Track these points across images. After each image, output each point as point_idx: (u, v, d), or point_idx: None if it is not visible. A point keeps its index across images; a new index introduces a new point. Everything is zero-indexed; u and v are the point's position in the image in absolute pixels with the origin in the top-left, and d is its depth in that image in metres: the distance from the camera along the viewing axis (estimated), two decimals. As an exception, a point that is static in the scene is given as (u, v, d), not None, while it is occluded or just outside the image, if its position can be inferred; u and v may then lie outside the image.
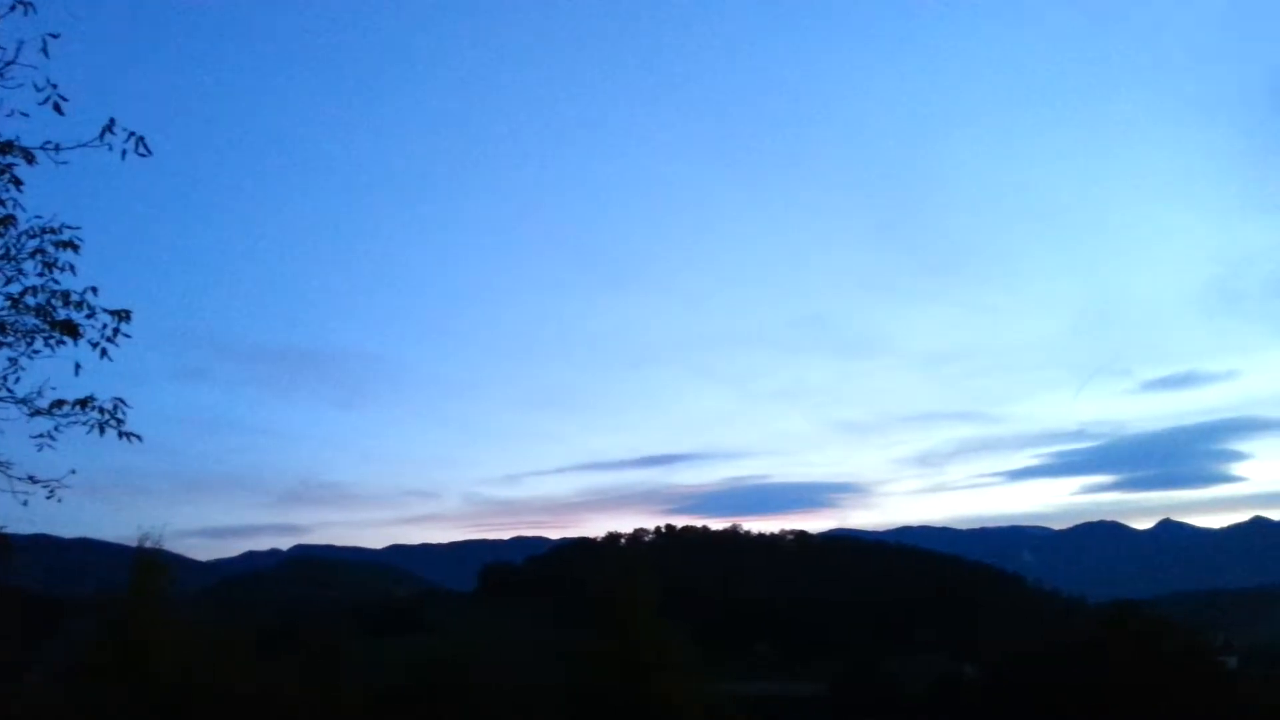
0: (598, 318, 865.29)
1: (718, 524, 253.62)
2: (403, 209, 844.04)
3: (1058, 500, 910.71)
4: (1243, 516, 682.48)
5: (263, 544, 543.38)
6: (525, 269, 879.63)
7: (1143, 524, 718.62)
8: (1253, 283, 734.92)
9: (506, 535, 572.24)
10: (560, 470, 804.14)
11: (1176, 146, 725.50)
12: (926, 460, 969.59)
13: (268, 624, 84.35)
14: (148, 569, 33.71)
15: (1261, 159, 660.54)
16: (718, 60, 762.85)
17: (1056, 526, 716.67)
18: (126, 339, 7.53)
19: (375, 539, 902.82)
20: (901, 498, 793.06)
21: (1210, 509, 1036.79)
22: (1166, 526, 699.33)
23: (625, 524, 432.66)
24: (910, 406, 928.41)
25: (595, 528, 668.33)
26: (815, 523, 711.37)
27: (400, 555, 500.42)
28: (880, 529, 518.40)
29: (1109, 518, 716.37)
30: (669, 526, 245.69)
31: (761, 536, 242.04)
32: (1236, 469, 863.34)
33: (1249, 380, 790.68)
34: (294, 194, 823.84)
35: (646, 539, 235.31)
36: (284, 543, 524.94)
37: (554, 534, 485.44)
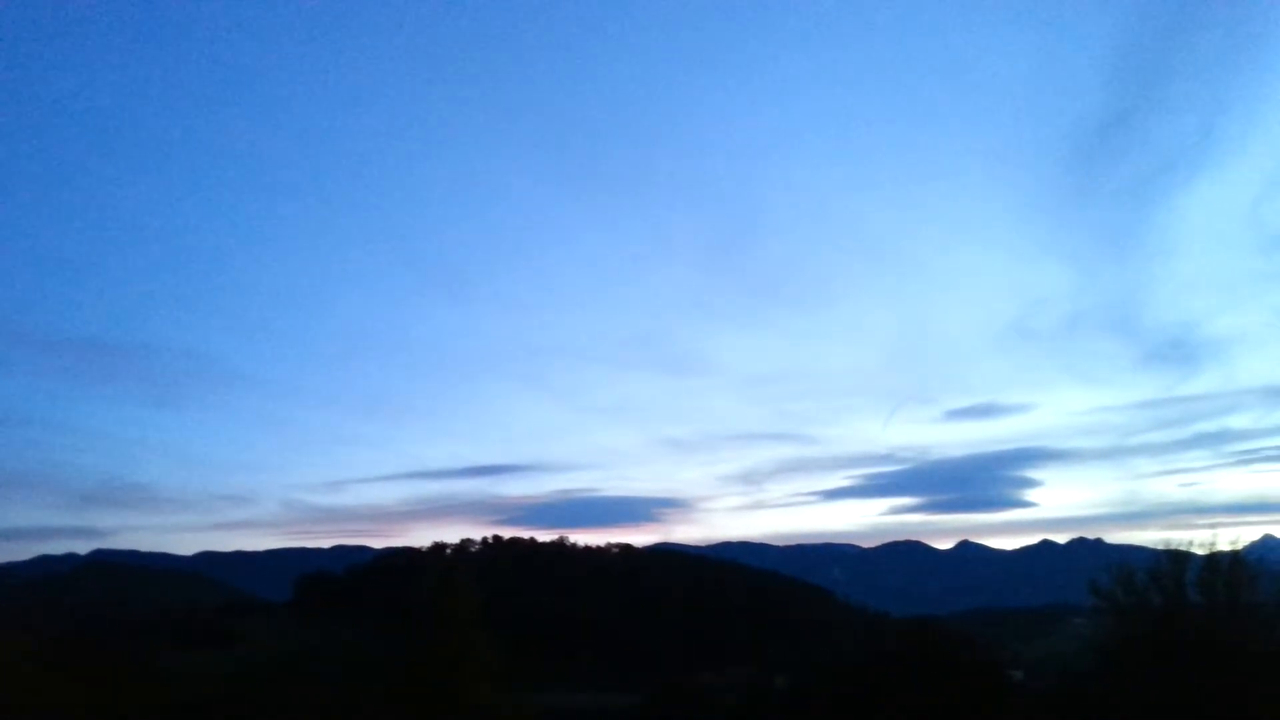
0: (428, 325, 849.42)
1: (545, 536, 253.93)
2: (230, 204, 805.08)
3: (867, 520, 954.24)
4: (1032, 539, 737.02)
5: (58, 548, 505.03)
6: (356, 272, 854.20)
7: (944, 544, 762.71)
8: (1047, 323, 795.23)
9: (327, 544, 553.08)
10: (385, 478, 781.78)
11: (984, 191, 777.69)
12: (747, 478, 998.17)
13: (59, 634, 79.15)
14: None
15: (1059, 208, 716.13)
16: (558, 74, 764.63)
17: (865, 545, 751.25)
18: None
19: (183, 545, 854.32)
20: (723, 514, 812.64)
21: (1004, 531, 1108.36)
22: (965, 547, 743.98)
23: (451, 534, 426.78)
24: (733, 426, 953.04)
25: (420, 537, 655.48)
26: (641, 536, 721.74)
27: (211, 563, 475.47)
28: (702, 544, 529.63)
29: (913, 537, 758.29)
30: (496, 537, 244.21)
31: (588, 549, 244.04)
32: (1028, 495, 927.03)
33: (1041, 413, 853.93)
34: (113, 181, 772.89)
35: (473, 549, 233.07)
36: (82, 547, 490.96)
37: (377, 543, 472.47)
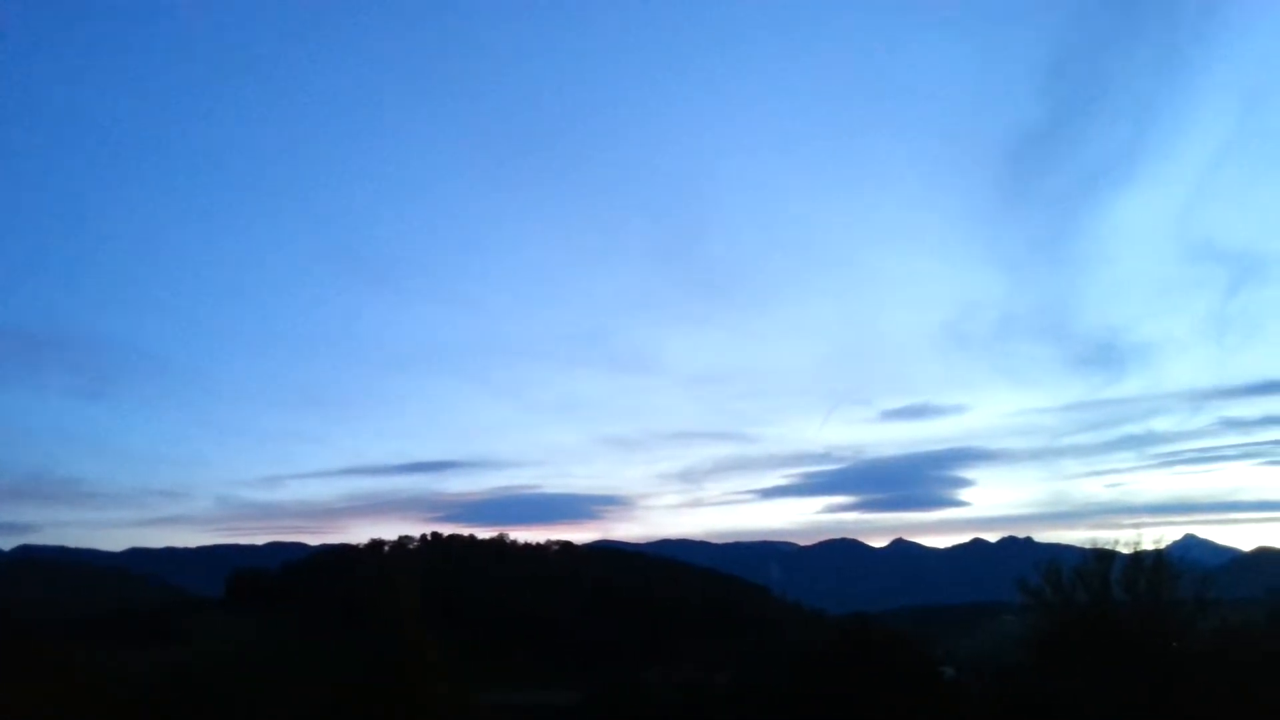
0: (369, 319, 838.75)
1: (485, 533, 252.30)
2: (165, 195, 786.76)
3: (804, 518, 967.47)
4: (964, 538, 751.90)
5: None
6: (296, 266, 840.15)
7: (878, 542, 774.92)
8: (980, 327, 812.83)
9: (261, 540, 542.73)
10: (323, 474, 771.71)
11: (923, 198, 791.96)
12: (687, 476, 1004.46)
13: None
14: None
15: (994, 215, 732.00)
16: (506, 67, 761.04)
17: (802, 543, 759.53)
18: None
19: (113, 541, 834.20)
20: (663, 511, 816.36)
21: (937, 530, 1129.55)
22: (899, 545, 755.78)
23: (390, 531, 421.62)
24: (675, 424, 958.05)
25: (358, 534, 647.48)
26: (581, 534, 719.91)
27: (142, 559, 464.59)
28: (642, 541, 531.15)
29: (849, 536, 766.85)
30: (435, 534, 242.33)
31: (528, 546, 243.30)
32: (961, 494, 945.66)
33: (974, 414, 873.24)
34: (44, 171, 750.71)
35: (411, 546, 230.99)
36: (7, 543, 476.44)
37: (314, 540, 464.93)
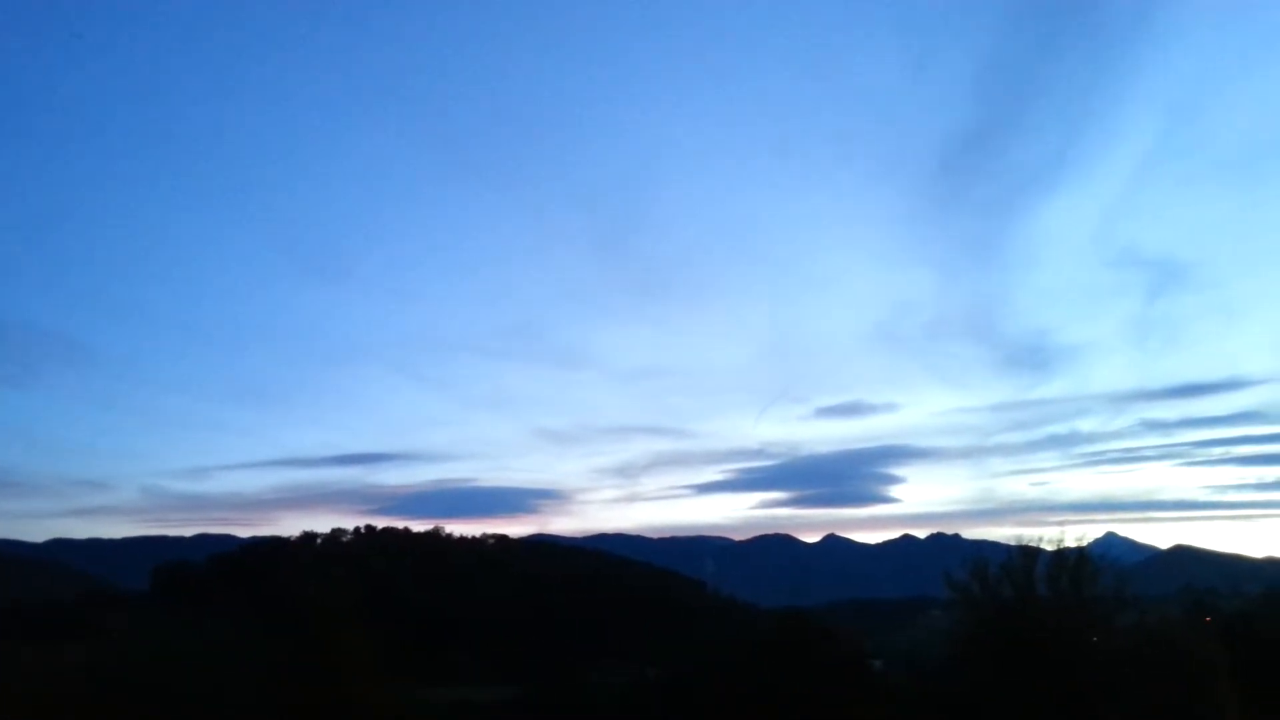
0: (302, 310, 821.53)
1: (420, 526, 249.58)
2: (93, 180, 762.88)
3: (738, 513, 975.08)
4: (894, 534, 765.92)
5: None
6: (225, 254, 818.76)
7: (811, 537, 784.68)
8: (912, 327, 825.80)
9: (189, 532, 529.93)
10: (253, 465, 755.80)
11: (858, 198, 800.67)
12: (623, 471, 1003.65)
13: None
14: None
15: (927, 217, 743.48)
16: (443, 58, 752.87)
17: (736, 537, 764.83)
18: None
19: (35, 531, 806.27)
20: (599, 505, 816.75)
21: (868, 526, 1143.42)
22: (831, 540, 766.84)
23: (322, 524, 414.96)
24: (611, 419, 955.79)
25: (289, 527, 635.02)
26: (517, 527, 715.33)
27: (64, 550, 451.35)
28: (578, 535, 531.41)
29: (782, 531, 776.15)
30: (369, 527, 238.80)
31: (463, 539, 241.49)
32: (892, 491, 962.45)
33: (905, 413, 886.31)
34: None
35: (344, 539, 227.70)
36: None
37: (243, 532, 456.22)
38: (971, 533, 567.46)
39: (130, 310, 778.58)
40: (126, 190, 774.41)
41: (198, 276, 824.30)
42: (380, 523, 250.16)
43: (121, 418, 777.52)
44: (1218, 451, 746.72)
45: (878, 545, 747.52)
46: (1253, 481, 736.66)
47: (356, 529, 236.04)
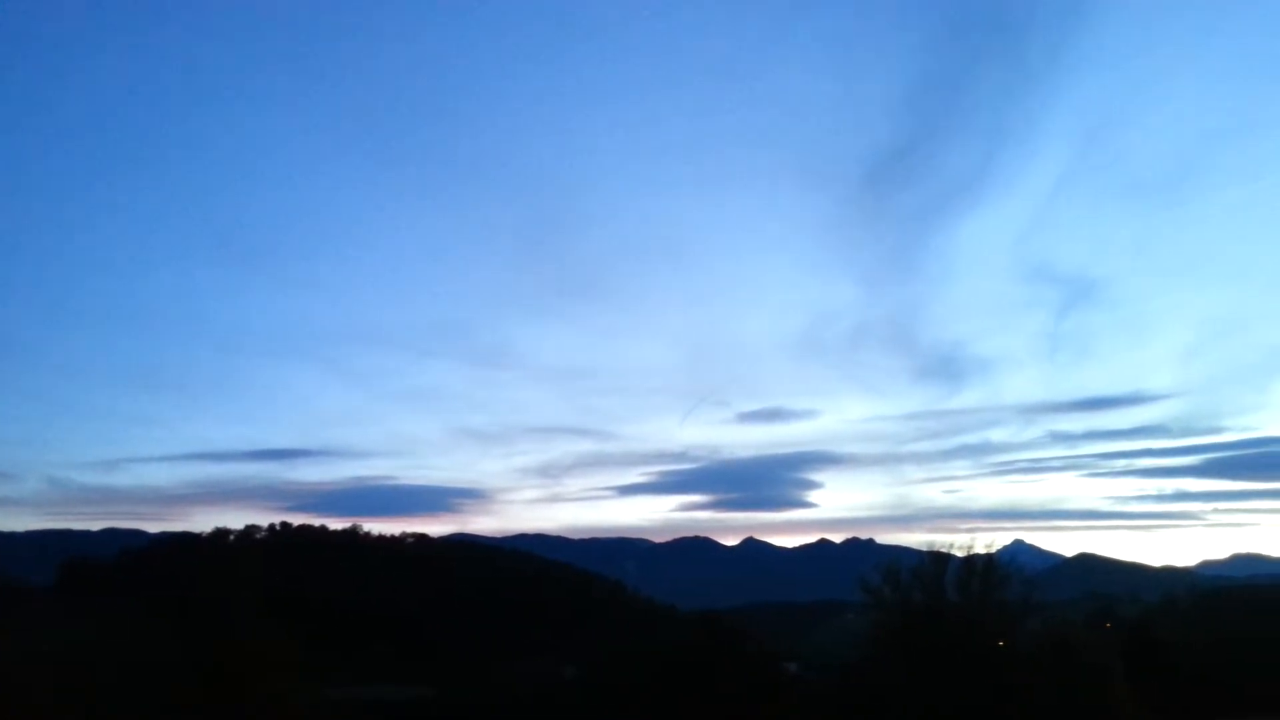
0: (220, 300, 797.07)
1: (337, 524, 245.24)
2: (7, 169, 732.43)
3: (659, 515, 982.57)
4: (811, 538, 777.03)
5: None
6: (138, 240, 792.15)
7: (730, 540, 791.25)
8: (833, 335, 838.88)
9: (96, 526, 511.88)
10: (165, 458, 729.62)
11: (785, 206, 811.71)
12: (546, 471, 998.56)
13: None
14: None
15: (851, 227, 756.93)
16: (373, 47, 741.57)
17: (657, 540, 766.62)
18: None
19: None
20: (521, 505, 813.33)
21: (786, 530, 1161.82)
22: (750, 544, 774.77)
23: (236, 520, 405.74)
24: (535, 419, 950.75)
25: (202, 522, 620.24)
26: (437, 526, 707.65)
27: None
28: (499, 535, 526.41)
29: (702, 533, 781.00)
30: (284, 524, 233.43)
31: (382, 538, 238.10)
32: (809, 496, 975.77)
33: (825, 419, 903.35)
34: None
35: (258, 536, 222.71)
36: None
37: (153, 527, 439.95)
38: (886, 538, 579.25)
39: (37, 296, 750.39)
40: (33, 174, 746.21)
41: (111, 262, 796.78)
42: (297, 520, 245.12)
43: (25, 407, 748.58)
44: (1121, 464, 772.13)
45: (795, 549, 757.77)
46: (1153, 493, 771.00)
47: (271, 526, 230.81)
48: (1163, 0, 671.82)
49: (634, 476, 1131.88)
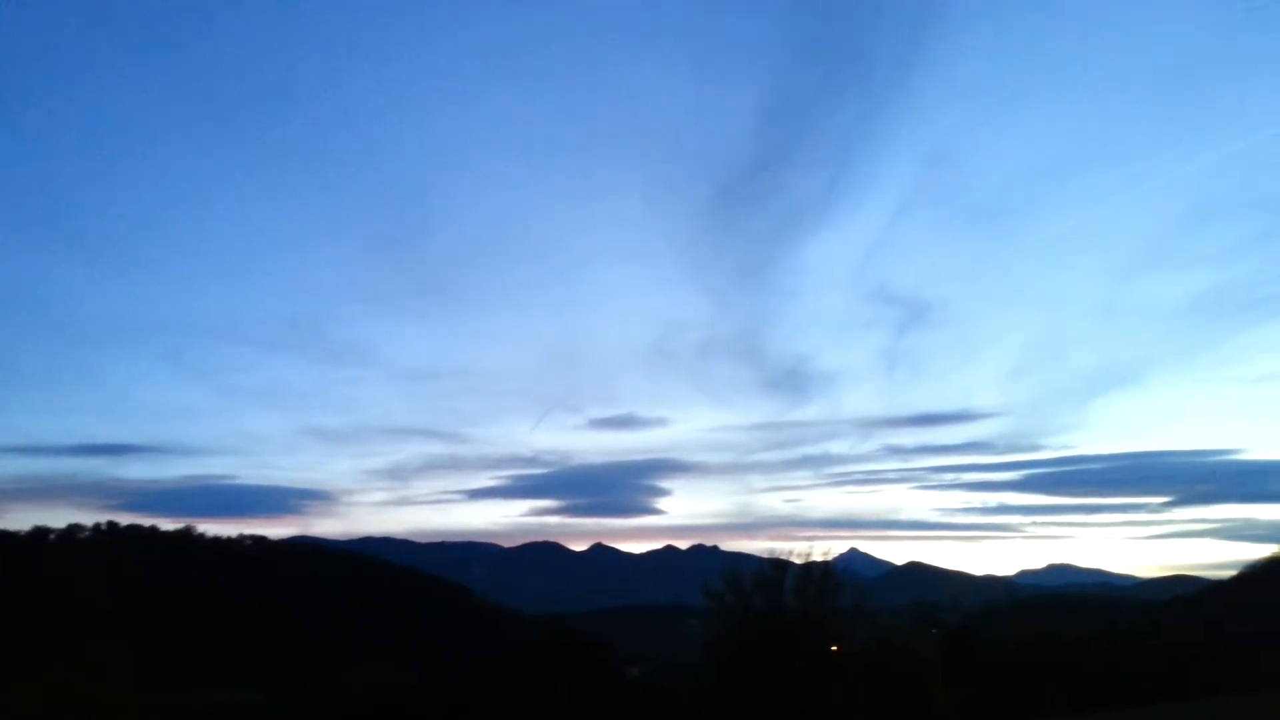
0: (47, 284, 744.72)
1: (170, 524, 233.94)
2: None
3: (509, 520, 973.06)
4: (659, 544, 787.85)
5: None
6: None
7: (579, 546, 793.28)
8: (684, 346, 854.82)
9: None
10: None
11: (641, 216, 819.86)
12: (395, 473, 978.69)
13: None
14: None
15: (704, 241, 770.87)
16: (230, 27, 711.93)
17: (506, 544, 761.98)
18: None
19: None
20: (368, 508, 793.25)
21: (634, 536, 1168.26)
22: (598, 549, 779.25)
23: (57, 519, 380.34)
24: (385, 420, 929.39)
25: (18, 521, 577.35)
26: (279, 528, 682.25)
27: None
28: (344, 538, 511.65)
29: (551, 538, 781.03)
30: (111, 524, 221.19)
31: (217, 540, 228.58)
32: (658, 503, 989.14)
33: (674, 428, 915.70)
34: None
35: (82, 536, 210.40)
36: None
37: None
38: (730, 545, 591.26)
39: None
40: None
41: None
42: (125, 519, 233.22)
43: None
44: (949, 477, 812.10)
45: (642, 555, 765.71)
46: (977, 506, 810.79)
47: (97, 525, 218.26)
48: (1003, 44, 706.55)
49: (484, 480, 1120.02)
